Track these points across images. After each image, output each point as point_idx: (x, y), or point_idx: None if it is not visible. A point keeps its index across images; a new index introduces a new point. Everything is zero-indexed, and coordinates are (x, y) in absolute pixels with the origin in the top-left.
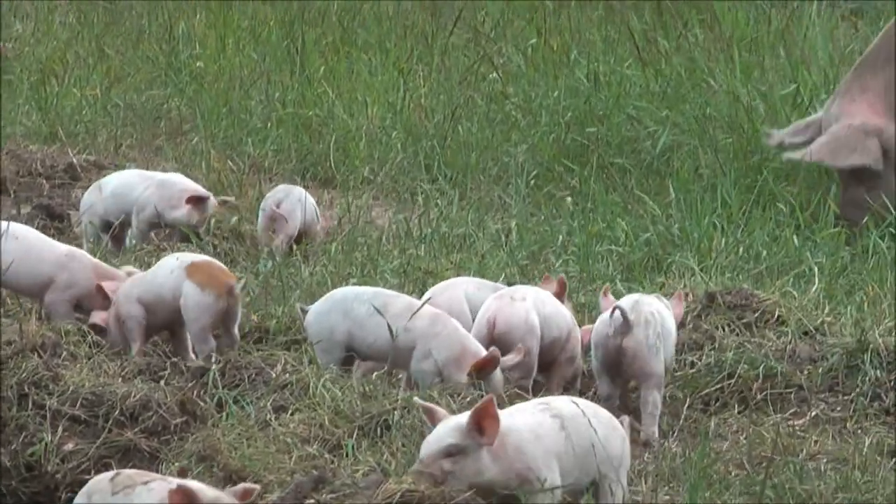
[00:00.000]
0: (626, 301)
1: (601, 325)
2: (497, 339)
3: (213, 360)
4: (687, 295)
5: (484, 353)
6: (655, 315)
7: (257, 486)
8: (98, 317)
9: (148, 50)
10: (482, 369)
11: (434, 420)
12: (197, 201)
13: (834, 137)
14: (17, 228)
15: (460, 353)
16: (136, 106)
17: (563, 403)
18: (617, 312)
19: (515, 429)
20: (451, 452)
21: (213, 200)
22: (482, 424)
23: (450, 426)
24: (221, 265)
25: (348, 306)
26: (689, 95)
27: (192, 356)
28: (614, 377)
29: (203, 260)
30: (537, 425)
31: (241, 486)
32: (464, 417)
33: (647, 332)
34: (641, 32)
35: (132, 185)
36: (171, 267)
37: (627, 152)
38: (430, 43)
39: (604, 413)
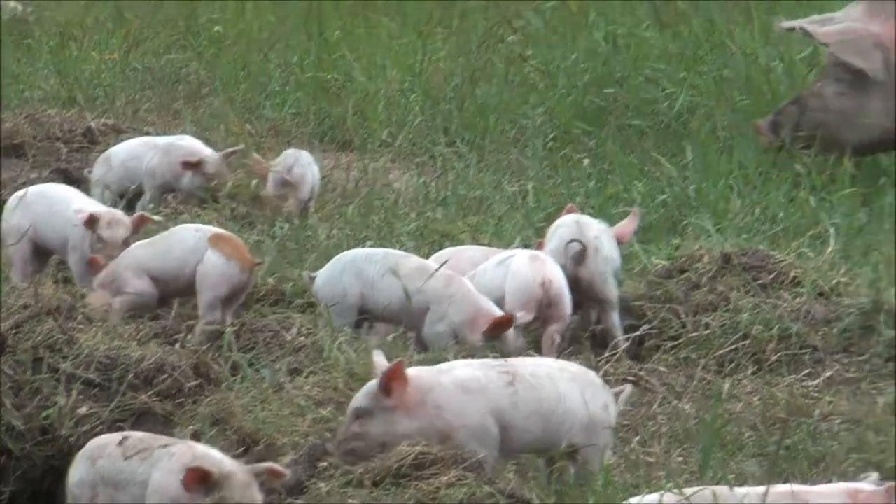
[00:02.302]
0: (570, 223)
1: (555, 255)
2: (553, 300)
3: (229, 322)
4: (702, 256)
5: (498, 313)
6: (601, 239)
7: (286, 472)
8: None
9: (167, 13)
10: (497, 328)
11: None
12: (191, 166)
13: (848, 30)
14: (45, 188)
15: (475, 315)
16: (154, 70)
17: (527, 362)
18: (573, 244)
19: (441, 386)
20: (359, 415)
21: (214, 159)
22: (390, 386)
23: (363, 390)
24: (241, 241)
25: (359, 267)
26: (706, 57)
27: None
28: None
29: (225, 232)
30: (472, 380)
31: (267, 465)
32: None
33: (597, 261)
34: None
35: (140, 155)
36: (191, 238)
37: (645, 114)
38: (449, 5)
39: (585, 377)
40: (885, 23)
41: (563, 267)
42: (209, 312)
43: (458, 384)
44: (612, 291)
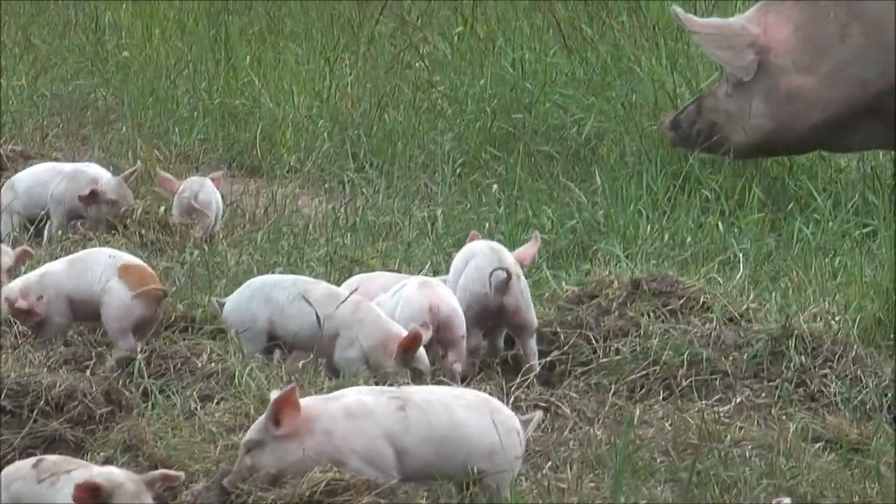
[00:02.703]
0: (487, 251)
1: (475, 284)
2: (442, 325)
3: (139, 349)
4: (612, 282)
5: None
6: (518, 266)
7: (180, 474)
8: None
9: (74, 40)
10: (408, 349)
11: None
12: (88, 198)
13: (723, 25)
14: None
15: (385, 338)
16: (62, 95)
17: (421, 389)
18: (499, 272)
19: (329, 412)
20: (250, 448)
21: (111, 185)
22: (280, 415)
23: (255, 423)
24: (153, 272)
25: (268, 293)
26: (614, 83)
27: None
28: (486, 330)
29: (136, 263)
30: (359, 405)
31: (161, 472)
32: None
33: (521, 287)
34: (567, 20)
35: (45, 181)
36: (104, 262)
37: (553, 140)
38: (357, 32)
39: (485, 405)
40: (768, 24)
41: (485, 296)
42: (122, 341)
43: (346, 410)
44: (533, 315)
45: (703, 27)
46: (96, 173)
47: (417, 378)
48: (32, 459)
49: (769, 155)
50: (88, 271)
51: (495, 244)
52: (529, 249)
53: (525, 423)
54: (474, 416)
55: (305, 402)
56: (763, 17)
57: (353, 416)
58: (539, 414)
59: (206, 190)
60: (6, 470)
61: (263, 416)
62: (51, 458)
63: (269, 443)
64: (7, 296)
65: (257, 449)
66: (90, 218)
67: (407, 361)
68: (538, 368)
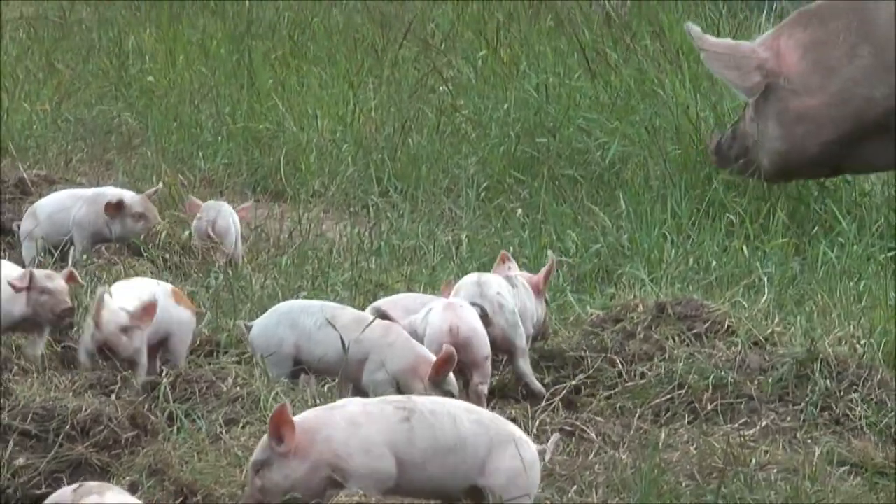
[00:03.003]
0: (470, 285)
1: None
2: (462, 345)
3: (164, 373)
4: (637, 306)
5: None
6: (502, 294)
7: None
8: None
9: (98, 65)
10: (441, 369)
11: None
12: (114, 208)
13: (733, 46)
14: None
15: (415, 362)
16: (86, 120)
17: (429, 399)
18: (477, 309)
19: (330, 423)
20: (257, 468)
21: (136, 199)
22: (280, 432)
23: (259, 444)
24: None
25: (295, 318)
26: (638, 107)
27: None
28: None
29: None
30: (362, 414)
31: None
32: None
33: (504, 316)
34: (591, 44)
35: (67, 207)
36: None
37: (577, 163)
38: (380, 56)
39: (496, 423)
40: (780, 48)
41: None
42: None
43: (348, 418)
44: (521, 339)
45: (713, 46)
46: (118, 192)
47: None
48: (73, 486)
49: (793, 178)
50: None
51: (485, 275)
52: (540, 274)
53: (542, 452)
54: (482, 431)
55: (306, 414)
56: (775, 42)
57: (357, 423)
58: (556, 437)
59: (223, 215)
60: (49, 499)
61: (265, 436)
62: (90, 484)
63: (275, 460)
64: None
65: (265, 468)
66: (116, 236)
67: (438, 383)
68: (543, 390)
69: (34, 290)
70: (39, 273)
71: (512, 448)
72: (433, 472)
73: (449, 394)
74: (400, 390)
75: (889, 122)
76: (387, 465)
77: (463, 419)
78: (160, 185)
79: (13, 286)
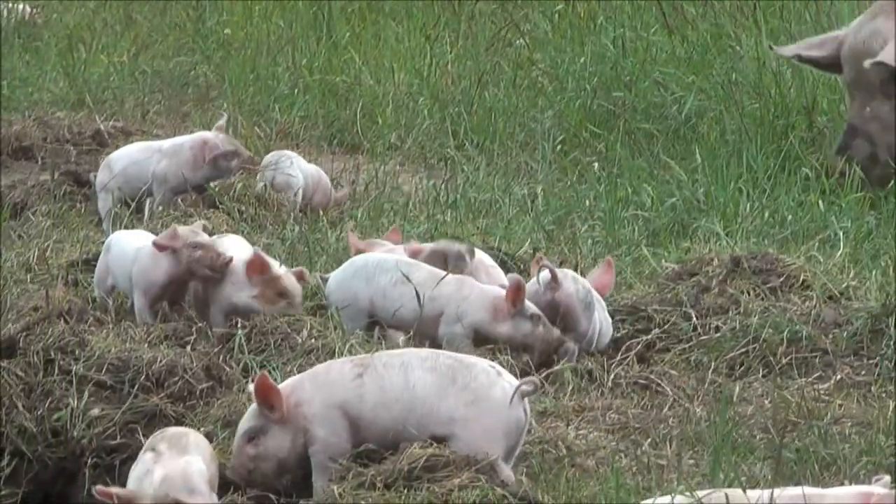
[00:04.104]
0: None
1: (532, 286)
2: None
3: (239, 325)
4: (712, 260)
5: None
6: (580, 279)
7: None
8: None
9: (175, 17)
10: (516, 299)
11: None
12: (230, 156)
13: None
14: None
15: (493, 305)
16: (163, 73)
17: (389, 353)
18: (545, 270)
19: (299, 386)
20: (251, 436)
21: (219, 137)
22: (268, 400)
23: (248, 412)
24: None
25: (370, 273)
26: (715, 61)
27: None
28: None
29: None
30: (322, 373)
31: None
32: None
33: (576, 286)
34: None
35: (142, 160)
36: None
37: (653, 118)
38: (457, 9)
39: (451, 370)
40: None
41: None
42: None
43: (311, 377)
44: (585, 323)
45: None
46: (194, 142)
47: (536, 323)
48: None
49: None
50: None
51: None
52: (606, 276)
53: (521, 392)
54: (435, 379)
55: (287, 381)
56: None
57: (317, 383)
58: (533, 380)
59: (281, 171)
60: None
61: (254, 405)
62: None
63: (269, 428)
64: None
65: (261, 436)
66: (207, 180)
67: (520, 311)
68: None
69: (186, 248)
70: (184, 229)
71: (467, 394)
72: (385, 424)
73: (535, 317)
74: (478, 341)
75: None
76: (342, 427)
77: (415, 367)
78: (224, 115)
79: (159, 246)
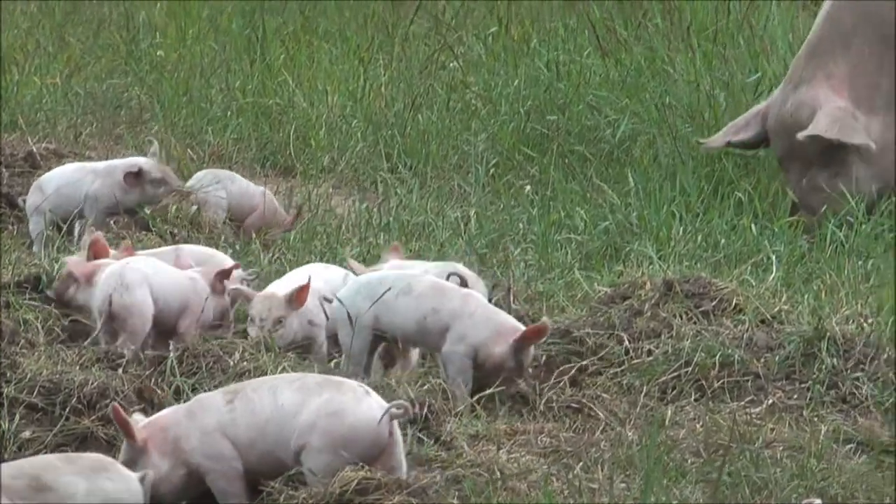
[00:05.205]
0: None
1: None
2: None
3: (171, 348)
4: (645, 283)
5: (521, 327)
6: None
7: None
8: None
9: (108, 39)
10: (530, 339)
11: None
12: (134, 176)
13: (835, 116)
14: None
15: (498, 329)
16: (96, 94)
17: (259, 379)
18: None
19: (174, 420)
20: (128, 466)
21: (152, 164)
22: (129, 430)
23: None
24: None
25: (373, 290)
26: (648, 84)
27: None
28: None
29: None
30: (196, 404)
31: None
32: None
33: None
34: (601, 22)
35: (76, 181)
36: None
37: (587, 141)
38: (391, 32)
39: (318, 387)
40: (834, 95)
41: None
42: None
43: (185, 411)
44: None
45: (833, 128)
46: (132, 161)
47: (518, 370)
48: None
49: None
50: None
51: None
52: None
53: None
54: (303, 396)
55: (163, 412)
56: (825, 85)
57: (192, 415)
58: (405, 404)
59: (204, 188)
60: None
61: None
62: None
63: (138, 457)
64: None
65: (133, 466)
66: (128, 211)
67: (521, 352)
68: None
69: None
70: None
71: (330, 405)
72: (262, 446)
73: (520, 363)
74: (478, 360)
75: None
76: (224, 448)
77: (284, 389)
78: (154, 143)
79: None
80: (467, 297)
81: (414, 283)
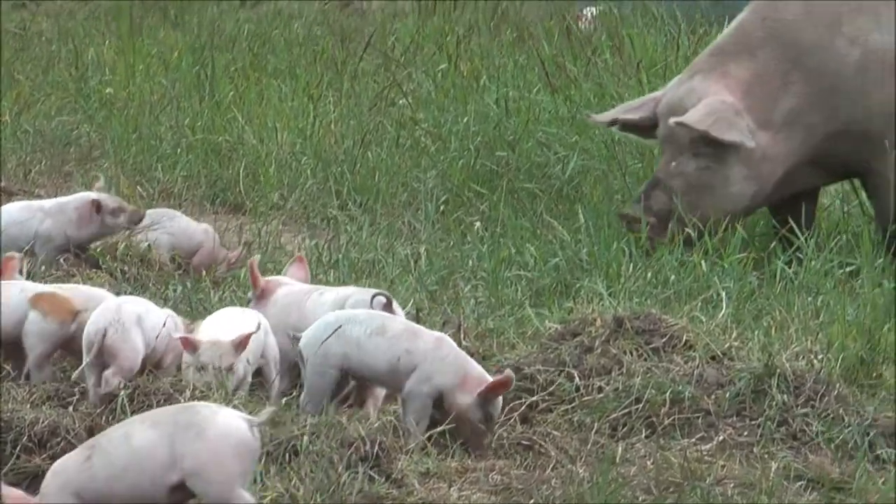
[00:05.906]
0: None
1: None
2: None
3: (122, 385)
4: (595, 320)
5: (488, 377)
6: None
7: None
8: None
9: (57, 76)
10: (496, 390)
11: None
12: (97, 209)
13: (713, 109)
14: None
15: (465, 376)
16: (45, 132)
17: (113, 428)
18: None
19: (44, 484)
20: None
21: (106, 197)
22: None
23: None
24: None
25: (343, 328)
26: None
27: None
28: None
29: (47, 290)
30: (59, 465)
31: None
32: None
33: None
34: (551, 58)
35: (23, 220)
36: (15, 297)
37: (537, 177)
38: (340, 69)
39: (174, 418)
40: (726, 93)
41: None
42: (37, 372)
43: (51, 472)
44: None
45: (705, 121)
46: (85, 196)
47: (487, 423)
48: None
49: (749, 214)
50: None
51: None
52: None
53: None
54: (158, 432)
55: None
56: (720, 81)
57: (55, 474)
58: (272, 409)
59: (153, 227)
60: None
61: None
62: None
63: None
64: None
65: None
66: (79, 247)
67: (486, 404)
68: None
69: None
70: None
71: (192, 430)
72: (126, 494)
73: (489, 415)
74: (440, 404)
75: (826, 150)
76: None
77: (136, 432)
78: (100, 177)
79: None
80: (440, 340)
81: (388, 323)
